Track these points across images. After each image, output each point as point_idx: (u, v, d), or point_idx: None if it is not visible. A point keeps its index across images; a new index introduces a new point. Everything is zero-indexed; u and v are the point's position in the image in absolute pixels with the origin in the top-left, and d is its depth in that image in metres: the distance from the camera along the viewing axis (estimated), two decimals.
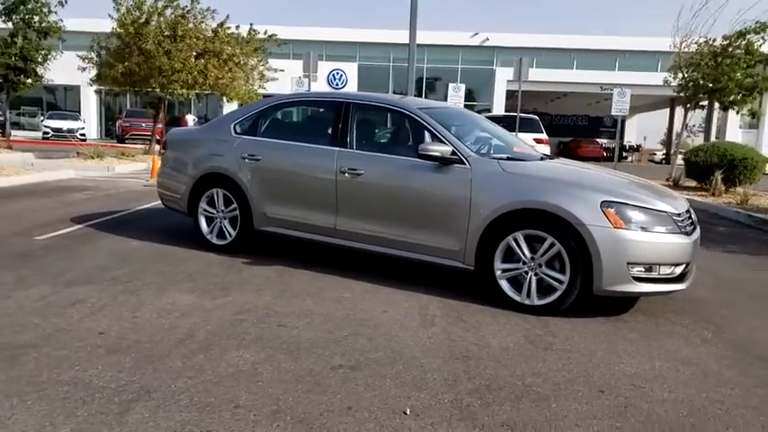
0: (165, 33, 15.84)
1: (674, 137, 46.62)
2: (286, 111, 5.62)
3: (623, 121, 20.68)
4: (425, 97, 32.44)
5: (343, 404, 2.63)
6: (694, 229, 4.25)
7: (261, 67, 18.02)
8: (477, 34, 36.07)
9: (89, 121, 34.16)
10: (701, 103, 16.44)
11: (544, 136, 16.71)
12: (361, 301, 4.16)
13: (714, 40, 15.20)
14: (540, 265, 4.00)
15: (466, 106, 14.40)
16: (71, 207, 7.77)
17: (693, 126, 44.58)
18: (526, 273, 4.05)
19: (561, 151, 36.99)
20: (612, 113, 16.96)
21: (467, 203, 4.21)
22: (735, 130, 35.39)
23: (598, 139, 44.77)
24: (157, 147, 17.78)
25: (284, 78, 18.65)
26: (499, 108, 33.28)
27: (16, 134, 27.18)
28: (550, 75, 33.24)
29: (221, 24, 16.78)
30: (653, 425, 2.56)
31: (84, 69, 17.62)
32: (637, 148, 47.88)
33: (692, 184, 14.01)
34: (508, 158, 4.51)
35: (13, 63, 15.99)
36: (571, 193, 3.96)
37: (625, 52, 36.88)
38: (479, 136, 5.20)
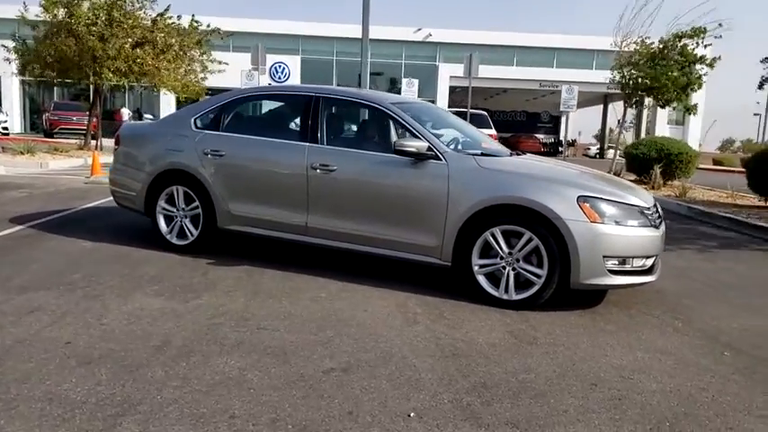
0: (100, 17, 15.08)
1: (607, 132, 48.53)
2: (250, 104, 5.42)
3: (567, 117, 21.20)
4: None
5: (343, 409, 2.54)
6: (661, 222, 4.38)
7: (203, 59, 17.43)
8: (420, 30, 36.25)
9: (11, 114, 32.27)
10: (640, 101, 17.06)
11: (493, 132, 16.96)
12: (338, 301, 4.06)
13: (652, 42, 15.83)
14: (518, 260, 4.01)
15: None
16: (8, 206, 7.27)
17: (626, 122, 46.35)
18: (504, 268, 4.05)
19: None
20: (561, 109, 17.42)
21: (444, 199, 4.18)
22: (663, 126, 37.15)
23: (536, 135, 46.06)
24: (94, 142, 16.98)
25: (230, 70, 18.17)
26: (443, 104, 33.61)
27: None
28: (492, 71, 33.81)
29: (162, 14, 16.14)
30: (649, 416, 2.60)
31: (8, 61, 16.58)
32: (572, 143, 49.53)
33: (633, 177, 14.54)
34: (482, 154, 4.50)
35: None
36: (548, 188, 3.99)
37: (563, 50, 37.93)
38: (449, 131, 5.18)
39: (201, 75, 17.59)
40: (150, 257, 4.99)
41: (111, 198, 7.57)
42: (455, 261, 4.21)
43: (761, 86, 13.40)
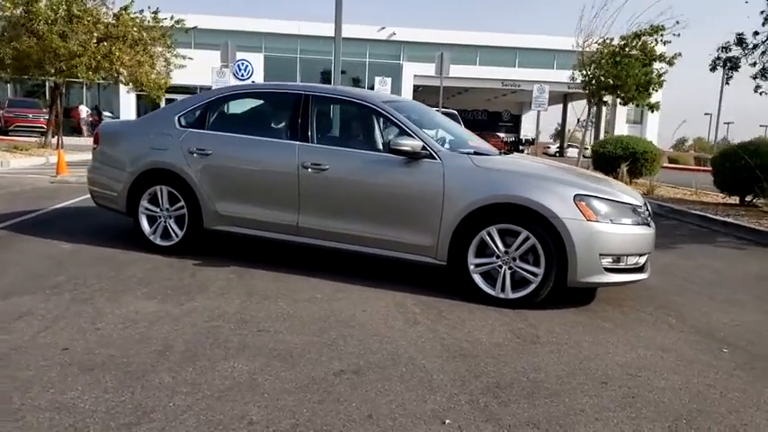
0: (59, 13, 14.59)
1: (566, 131, 49.47)
2: (237, 102, 5.30)
3: (539, 115, 21.58)
4: None
5: (361, 412, 2.50)
6: (651, 220, 4.47)
7: (168, 55, 17.04)
8: (384, 28, 36.25)
9: None
10: (603, 99, 17.46)
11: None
12: (335, 301, 4.01)
13: (612, 40, 16.22)
14: (515, 259, 4.04)
15: None
16: None
17: (584, 120, 47.34)
18: (500, 267, 4.07)
19: None
20: (532, 108, 17.70)
21: (439, 199, 4.17)
22: (622, 124, 38.07)
23: (498, 134, 46.61)
24: (54, 140, 16.42)
25: (191, 67, 17.81)
26: None
27: None
28: (456, 70, 33.99)
29: (125, 8, 15.70)
30: (665, 413, 2.64)
31: None
32: (532, 141, 50.36)
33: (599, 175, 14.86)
34: (475, 153, 4.51)
35: None
36: (545, 187, 4.03)
37: (524, 50, 38.47)
38: (437, 130, 5.18)
39: (166, 70, 17.17)
40: (134, 259, 4.84)
41: (82, 198, 7.39)
42: (450, 260, 4.21)
43: (713, 69, 13.93)
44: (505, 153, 5.16)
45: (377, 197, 4.38)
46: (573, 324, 3.81)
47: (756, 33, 11.48)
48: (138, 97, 33.02)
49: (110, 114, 35.90)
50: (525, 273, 4.02)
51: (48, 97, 31.91)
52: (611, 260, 3.98)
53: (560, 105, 46.33)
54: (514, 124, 51.58)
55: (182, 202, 4.94)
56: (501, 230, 4.05)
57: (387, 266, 4.86)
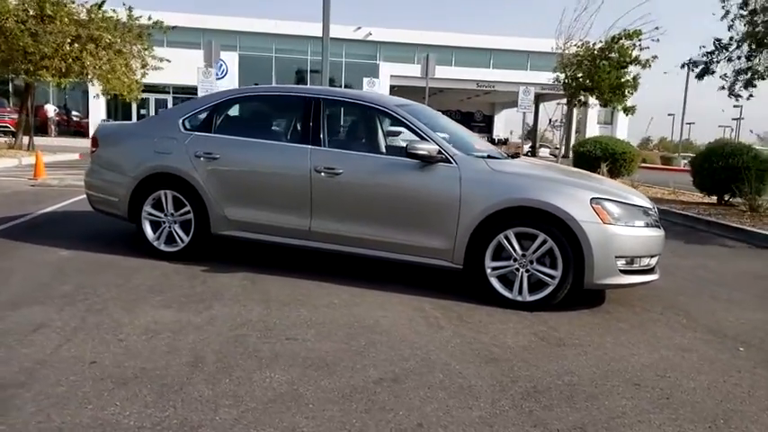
0: (30, 12, 14.17)
1: (538, 131, 50.11)
2: (244, 105, 5.22)
3: (524, 116, 21.75)
4: None
5: (411, 421, 2.49)
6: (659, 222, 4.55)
7: (145, 55, 16.69)
8: (360, 28, 36.16)
9: None
10: (582, 100, 17.74)
11: None
12: (354, 306, 3.99)
13: (593, 44, 16.52)
14: (532, 262, 4.07)
15: None
16: None
17: (556, 121, 48.11)
18: (517, 270, 4.10)
19: None
20: (517, 110, 17.90)
21: (456, 202, 4.18)
22: (593, 125, 38.72)
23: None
24: (26, 139, 15.96)
25: (170, 66, 17.50)
26: None
27: None
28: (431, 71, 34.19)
29: (99, 5, 15.32)
30: (701, 414, 2.69)
31: None
32: (505, 142, 50.90)
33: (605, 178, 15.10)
34: (489, 156, 4.53)
35: None
36: (562, 190, 4.06)
37: (499, 51, 38.79)
38: (443, 134, 5.18)
39: (142, 71, 16.82)
40: (139, 266, 4.73)
41: (68, 202, 7.26)
42: (467, 264, 4.22)
43: (700, 77, 13.95)
44: (513, 157, 5.19)
45: (392, 201, 4.36)
46: (591, 326, 3.86)
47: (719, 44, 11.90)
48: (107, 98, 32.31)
49: (77, 114, 35.07)
50: (542, 275, 4.05)
51: (12, 95, 31.03)
52: (624, 262, 4.05)
53: (533, 106, 46.86)
54: (487, 124, 52.06)
55: (188, 207, 4.85)
56: (518, 234, 4.07)
57: (397, 270, 4.85)
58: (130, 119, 34.35)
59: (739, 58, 11.74)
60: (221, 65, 27.59)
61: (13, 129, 20.56)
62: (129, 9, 16.35)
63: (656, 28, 15.71)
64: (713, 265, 6.12)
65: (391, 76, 35.16)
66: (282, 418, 2.45)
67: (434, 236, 4.26)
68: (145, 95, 21.13)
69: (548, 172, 4.54)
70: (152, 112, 35.13)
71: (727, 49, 11.88)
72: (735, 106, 49.16)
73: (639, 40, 16.15)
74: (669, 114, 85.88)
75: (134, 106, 34.44)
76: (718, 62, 12.04)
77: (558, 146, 40.84)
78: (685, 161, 40.90)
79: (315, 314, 3.79)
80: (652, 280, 4.27)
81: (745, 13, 11.11)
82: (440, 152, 4.26)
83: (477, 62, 38.10)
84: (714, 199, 10.97)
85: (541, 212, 4.01)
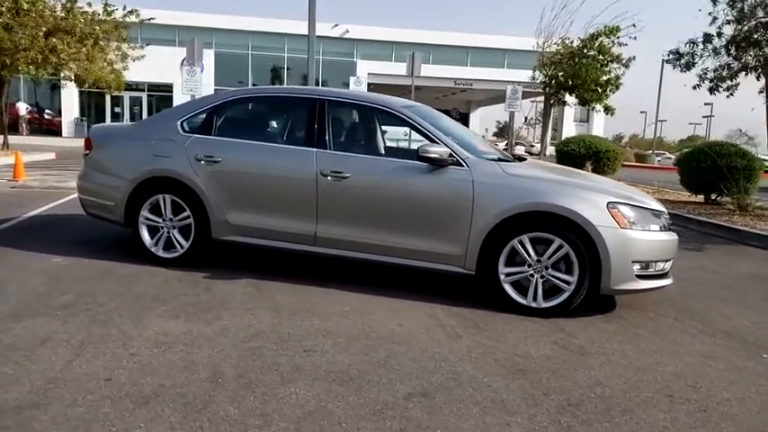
0: (5, 5, 13.75)
1: (514, 128, 50.45)
2: (245, 107, 5.08)
3: (512, 116, 21.81)
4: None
5: None
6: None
7: (124, 47, 16.32)
8: (337, 26, 35.91)
9: None
10: (562, 99, 17.85)
11: None
12: (366, 315, 3.89)
13: (572, 42, 16.63)
14: (547, 267, 4.01)
15: None
16: None
17: (531, 119, 48.51)
18: (531, 275, 4.04)
19: None
20: (505, 110, 17.95)
21: (469, 207, 4.10)
22: (570, 123, 39.11)
23: None
24: (0, 138, 15.47)
25: (139, 64, 17.20)
26: None
27: None
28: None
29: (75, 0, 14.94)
30: (742, 427, 2.65)
31: None
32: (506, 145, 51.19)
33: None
34: (500, 159, 4.47)
35: None
36: (578, 194, 4.01)
37: (476, 49, 38.89)
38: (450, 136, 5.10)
39: (122, 64, 16.46)
40: (138, 273, 4.57)
41: (53, 205, 7.04)
42: (479, 269, 4.15)
43: (712, 91, 13.80)
44: (520, 159, 5.14)
45: (402, 205, 4.26)
46: (609, 333, 3.82)
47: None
48: (82, 94, 31.63)
49: (50, 112, 34.21)
50: (557, 281, 4.00)
51: None
52: (640, 267, 4.01)
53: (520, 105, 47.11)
54: (463, 122, 52.13)
55: (187, 212, 4.69)
56: (532, 238, 4.01)
57: (404, 276, 4.76)
58: (104, 117, 33.65)
59: (721, 52, 11.87)
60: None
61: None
62: (106, 2, 16.00)
63: (633, 25, 15.88)
64: (712, 265, 6.16)
65: (369, 73, 35.00)
66: None
67: (445, 241, 4.18)
68: (118, 93, 20.68)
69: (561, 175, 4.49)
70: (126, 111, 34.48)
71: (710, 42, 12.00)
72: (706, 104, 50.22)
73: (618, 37, 16.30)
74: (641, 112, 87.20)
75: (108, 105, 33.78)
76: (701, 57, 12.16)
77: (533, 143, 41.26)
78: (659, 159, 41.65)
79: (327, 323, 3.68)
80: (666, 285, 4.26)
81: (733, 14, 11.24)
82: (451, 155, 4.18)
83: (454, 60, 38.15)
84: (701, 198, 11.10)
85: (557, 217, 3.96)
